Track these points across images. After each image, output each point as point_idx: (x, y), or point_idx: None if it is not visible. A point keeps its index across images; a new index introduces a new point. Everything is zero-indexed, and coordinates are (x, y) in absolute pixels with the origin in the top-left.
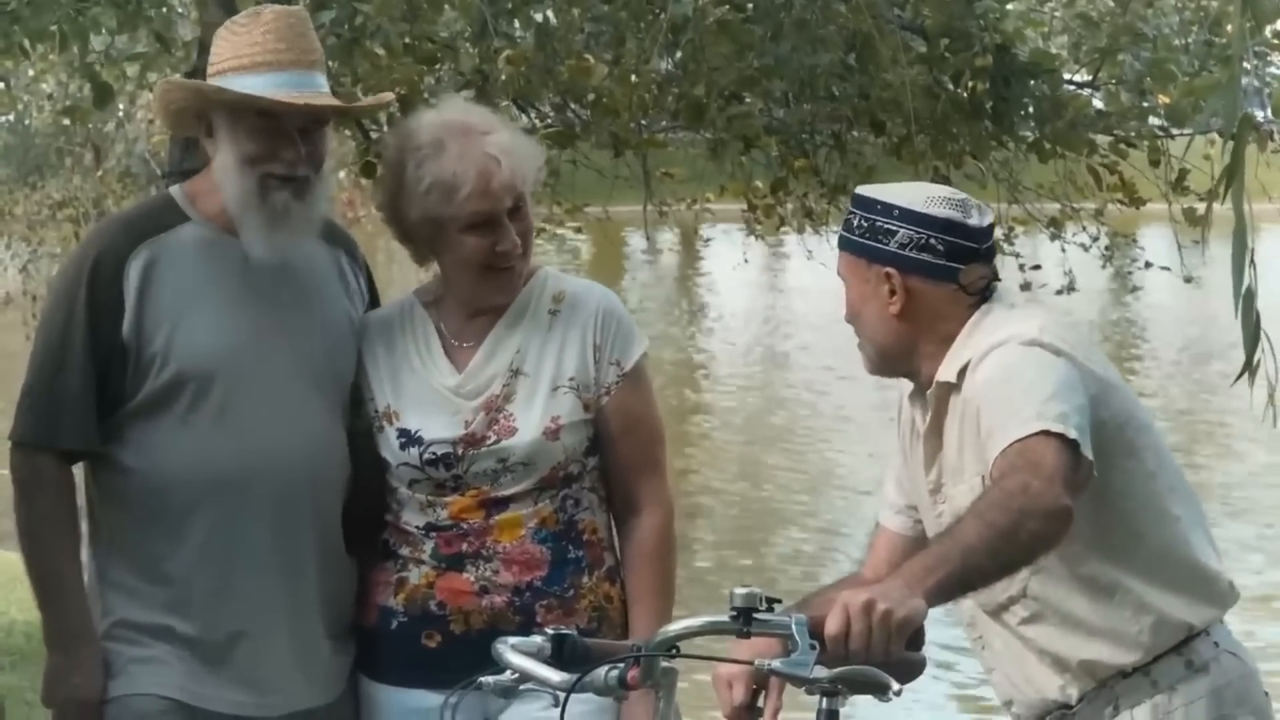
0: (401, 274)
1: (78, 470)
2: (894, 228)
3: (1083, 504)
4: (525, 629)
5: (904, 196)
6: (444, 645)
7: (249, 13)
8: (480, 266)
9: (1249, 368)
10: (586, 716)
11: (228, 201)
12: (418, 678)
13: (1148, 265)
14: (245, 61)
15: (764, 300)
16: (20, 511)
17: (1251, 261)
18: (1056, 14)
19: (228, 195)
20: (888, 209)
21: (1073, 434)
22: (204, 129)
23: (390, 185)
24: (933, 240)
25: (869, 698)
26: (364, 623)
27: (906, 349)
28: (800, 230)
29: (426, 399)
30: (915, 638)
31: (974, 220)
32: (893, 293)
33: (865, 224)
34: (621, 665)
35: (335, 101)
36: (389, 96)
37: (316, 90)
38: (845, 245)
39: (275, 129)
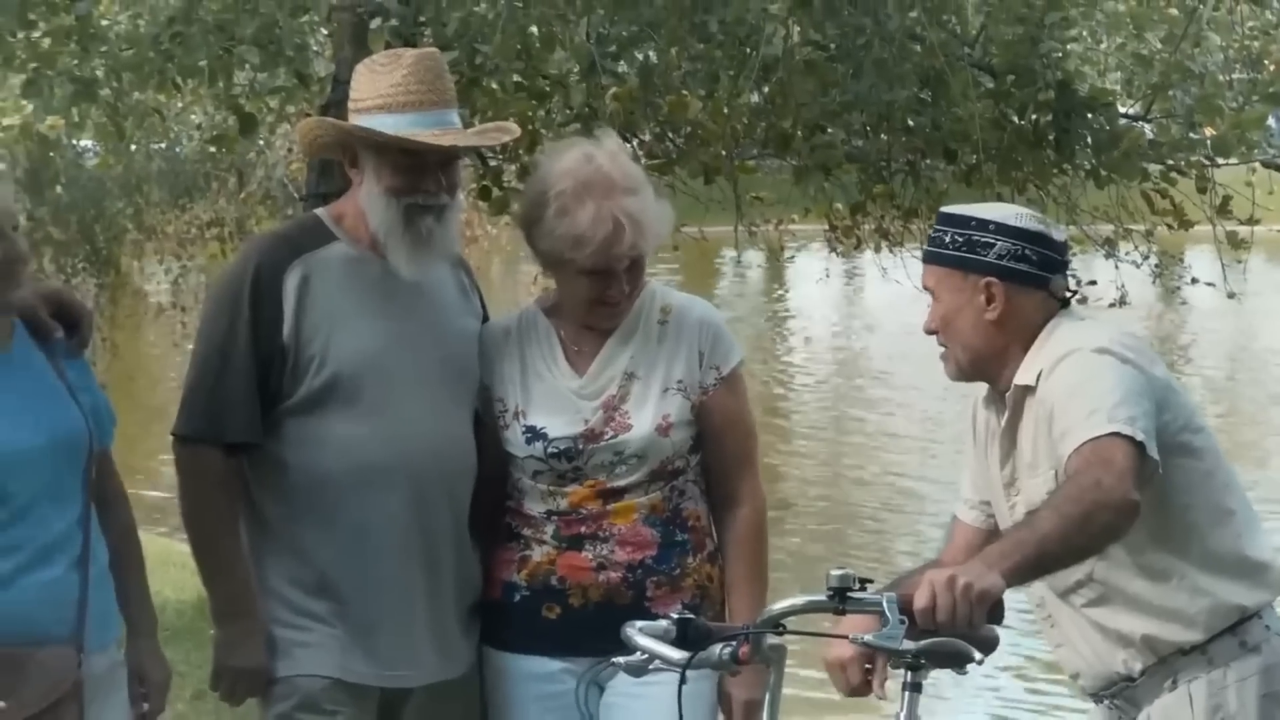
0: (514, 287)
1: None
2: (991, 241)
3: (1145, 499)
4: (637, 603)
5: (996, 213)
6: (562, 617)
7: (389, 54)
8: (590, 301)
9: None
10: (693, 682)
11: (374, 226)
12: (538, 646)
13: (1194, 281)
14: (388, 101)
15: (843, 311)
16: (186, 501)
17: None
18: (1112, 54)
19: (374, 221)
20: (983, 224)
21: (1140, 436)
22: (348, 159)
23: (530, 212)
24: (1028, 251)
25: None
26: (489, 597)
27: (998, 353)
28: (877, 249)
29: (551, 399)
30: (996, 611)
31: (1056, 235)
32: (990, 301)
33: (960, 239)
34: (734, 643)
35: (472, 140)
36: (514, 128)
37: (452, 127)
38: (938, 260)
39: (417, 164)
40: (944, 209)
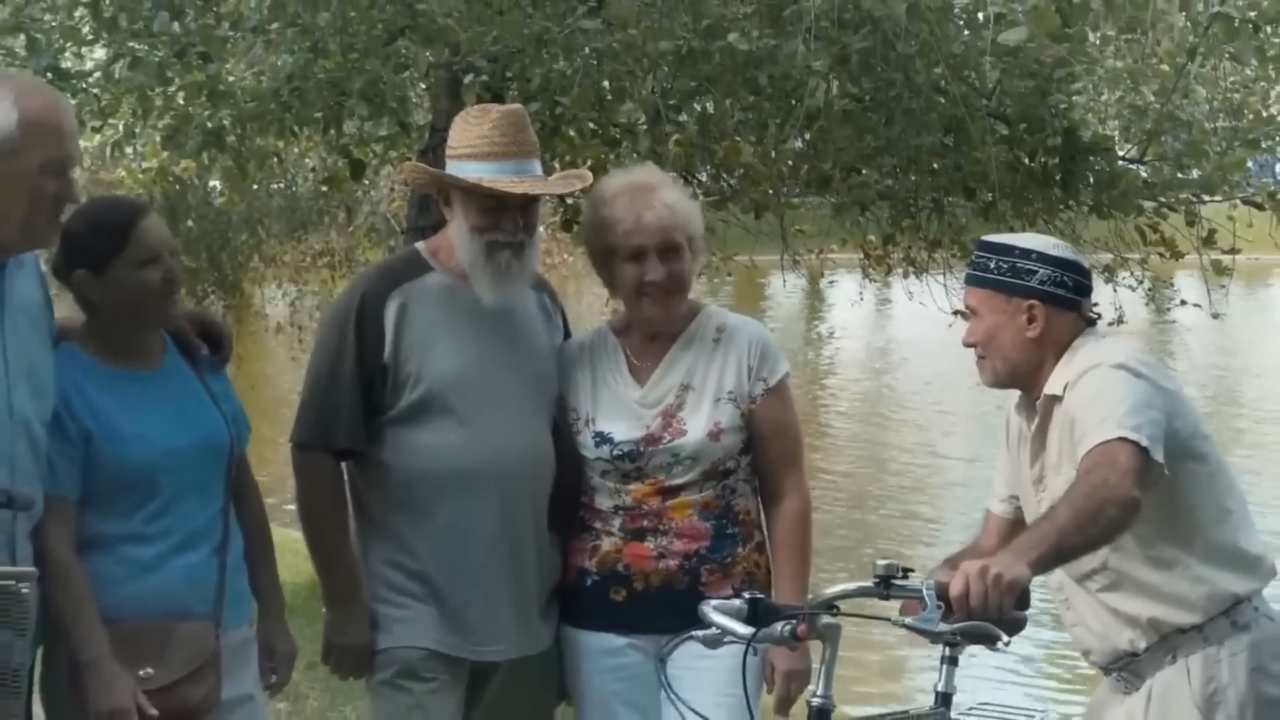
0: (589, 307)
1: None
2: (1034, 268)
3: (1155, 499)
4: (692, 587)
5: (1036, 243)
6: (628, 599)
7: (481, 109)
8: (635, 291)
9: None
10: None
11: (461, 259)
12: (607, 623)
13: (1183, 303)
14: (475, 150)
15: (874, 329)
16: (302, 499)
17: None
18: (1112, 105)
19: (460, 254)
20: (1026, 253)
21: (1144, 441)
22: (442, 199)
23: (585, 225)
24: (1066, 277)
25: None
26: (565, 581)
27: (1035, 366)
28: (905, 275)
29: (616, 407)
30: (1023, 598)
31: (1084, 263)
32: (1031, 320)
33: (1005, 265)
34: (794, 621)
35: (546, 189)
36: (588, 176)
37: (532, 175)
38: (983, 283)
39: (499, 206)
40: (986, 238)
